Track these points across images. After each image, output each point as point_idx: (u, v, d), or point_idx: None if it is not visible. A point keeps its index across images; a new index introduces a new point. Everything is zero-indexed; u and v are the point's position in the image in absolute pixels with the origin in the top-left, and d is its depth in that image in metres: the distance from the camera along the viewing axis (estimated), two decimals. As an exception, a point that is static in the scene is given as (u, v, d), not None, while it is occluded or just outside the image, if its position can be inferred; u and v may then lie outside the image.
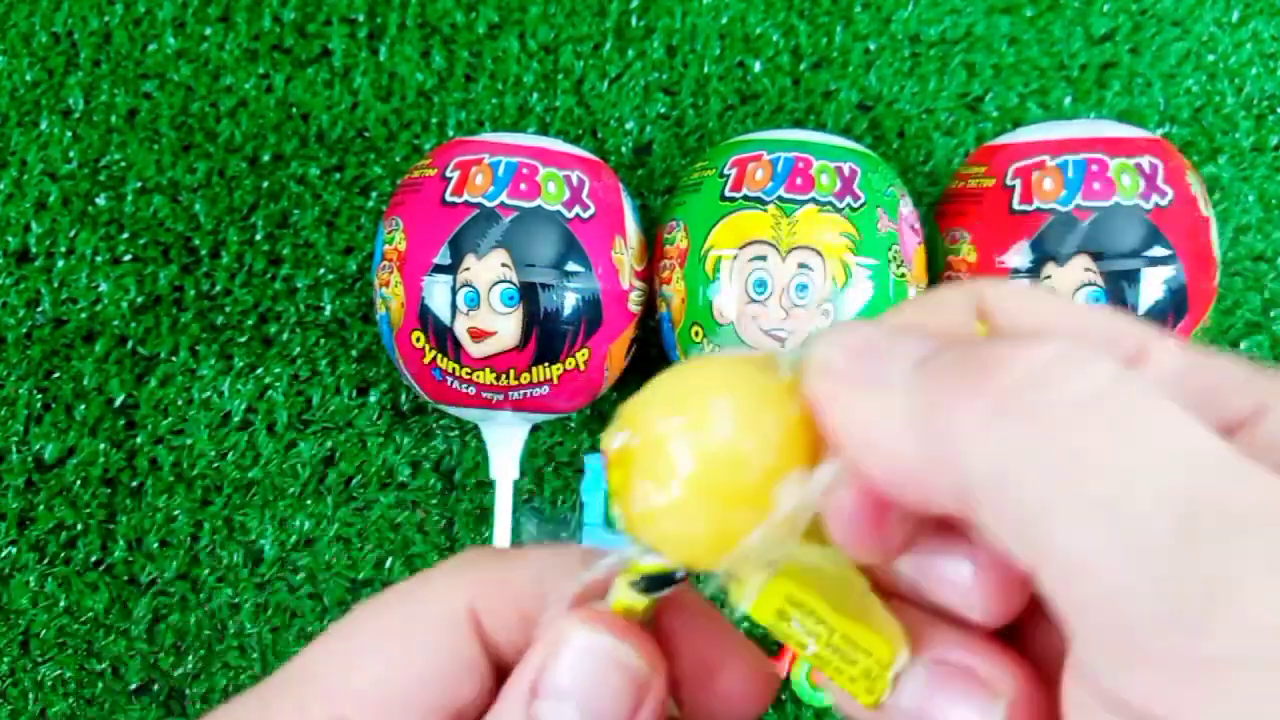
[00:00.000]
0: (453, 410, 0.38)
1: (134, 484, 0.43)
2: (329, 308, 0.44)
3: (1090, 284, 0.35)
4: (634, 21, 0.46)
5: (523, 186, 0.36)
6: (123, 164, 0.45)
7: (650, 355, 0.43)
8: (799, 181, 0.35)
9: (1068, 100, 0.45)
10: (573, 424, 0.43)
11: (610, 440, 0.16)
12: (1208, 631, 0.11)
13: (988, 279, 0.15)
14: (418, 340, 0.36)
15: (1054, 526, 0.12)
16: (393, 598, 0.17)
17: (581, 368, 0.36)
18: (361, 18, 0.46)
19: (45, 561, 0.43)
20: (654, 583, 0.16)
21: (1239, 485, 0.12)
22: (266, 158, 0.45)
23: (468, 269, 0.35)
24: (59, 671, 0.42)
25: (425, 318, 0.36)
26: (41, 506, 0.43)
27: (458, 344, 0.36)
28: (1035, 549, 0.12)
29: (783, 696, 0.40)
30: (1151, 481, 0.11)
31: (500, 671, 0.17)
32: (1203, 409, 0.13)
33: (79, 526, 0.43)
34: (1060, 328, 0.15)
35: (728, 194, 0.36)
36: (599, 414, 0.43)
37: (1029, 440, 0.12)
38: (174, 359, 0.44)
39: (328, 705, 0.17)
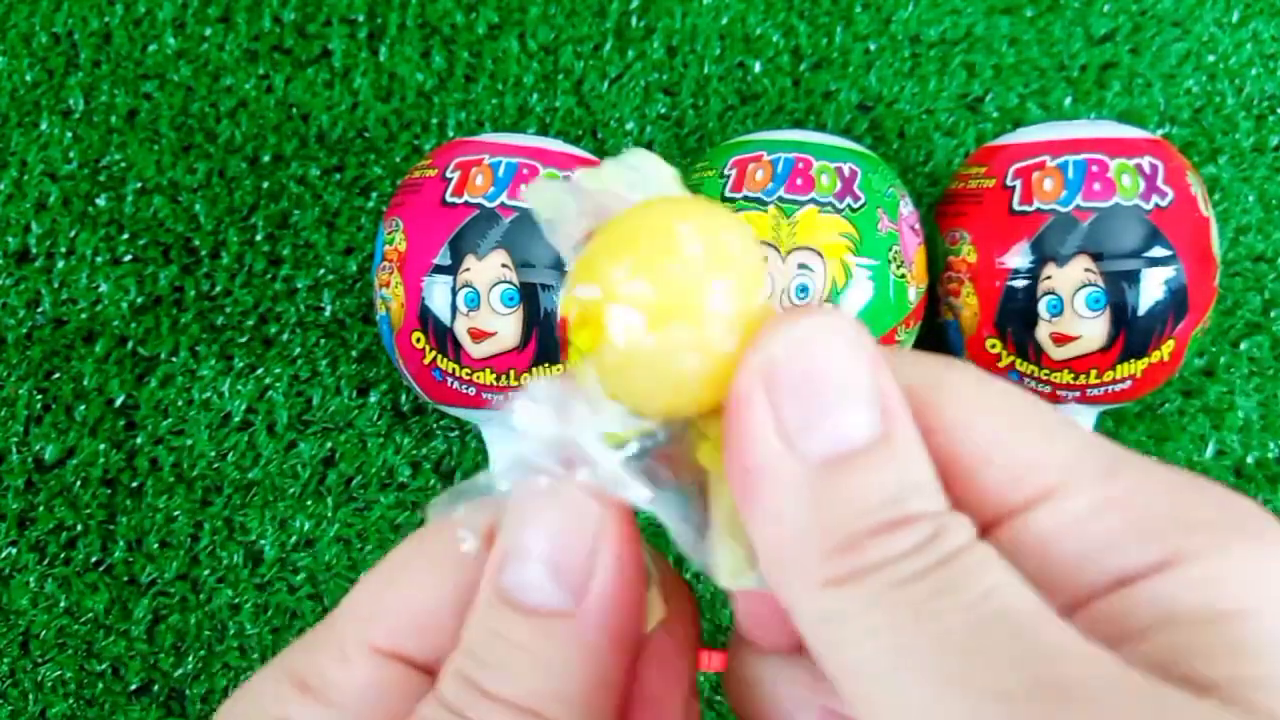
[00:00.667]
0: (453, 411, 0.38)
1: (134, 484, 0.43)
2: (329, 308, 0.44)
3: (1090, 284, 0.35)
4: (634, 22, 0.46)
5: (523, 187, 0.36)
6: (123, 164, 0.45)
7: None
8: (799, 182, 0.35)
9: (1068, 101, 0.45)
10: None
11: (569, 301, 0.15)
12: None
13: (958, 366, 0.15)
14: (418, 341, 0.36)
15: (874, 687, 0.13)
16: (420, 536, 0.17)
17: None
18: (362, 18, 0.46)
19: (45, 562, 0.43)
20: (639, 449, 0.15)
21: (1057, 663, 0.12)
22: (266, 158, 0.45)
23: (468, 269, 0.35)
24: (59, 672, 0.42)
25: (425, 318, 0.36)
26: (41, 507, 0.43)
27: (458, 344, 0.36)
28: (855, 701, 0.13)
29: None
30: (957, 649, 0.12)
31: None
32: (1098, 557, 0.14)
33: (79, 527, 0.43)
34: (1010, 443, 0.15)
35: (728, 195, 0.36)
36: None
37: (853, 609, 0.13)
38: (174, 359, 0.44)
39: (364, 636, 0.17)
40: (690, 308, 0.14)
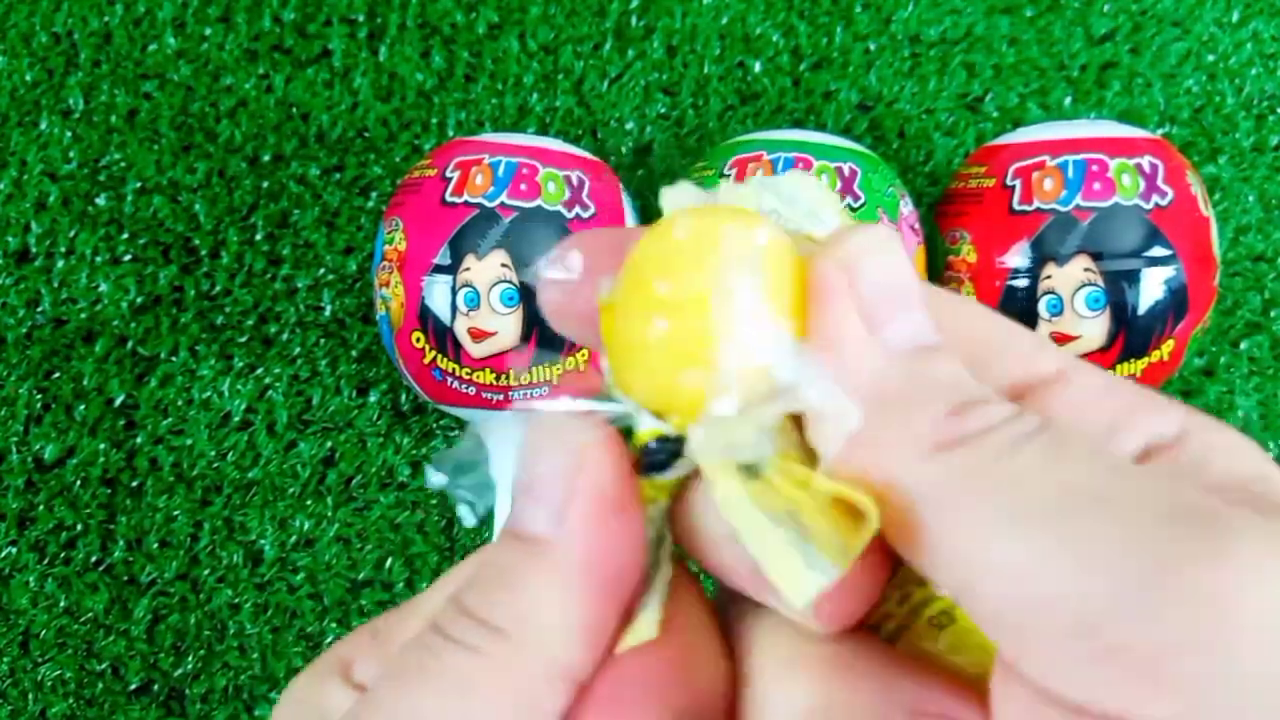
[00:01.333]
0: (453, 410, 0.38)
1: (134, 484, 0.43)
2: (329, 308, 0.44)
3: (1090, 284, 0.35)
4: (634, 22, 0.46)
5: (523, 187, 0.36)
6: (123, 164, 0.45)
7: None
8: (799, 182, 0.35)
9: (1068, 100, 0.45)
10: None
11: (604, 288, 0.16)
12: (1159, 617, 0.11)
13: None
14: (418, 340, 0.36)
15: (992, 541, 0.13)
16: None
17: (581, 368, 0.37)
18: (361, 18, 0.46)
19: (45, 562, 0.43)
20: (657, 456, 0.15)
21: (1153, 485, 0.13)
22: (266, 158, 0.45)
23: (468, 269, 0.35)
24: (59, 672, 0.42)
25: (425, 318, 0.36)
26: (41, 507, 0.43)
27: (458, 344, 0.36)
28: (970, 564, 0.13)
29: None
30: (1084, 492, 0.13)
31: None
32: (1124, 427, 0.15)
33: (79, 527, 0.43)
34: (993, 341, 0.16)
35: (728, 194, 0.36)
36: (599, 414, 0.43)
37: (965, 471, 0.13)
38: (174, 359, 0.44)
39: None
40: (691, 337, 0.15)
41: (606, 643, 0.15)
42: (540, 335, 0.35)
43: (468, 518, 0.17)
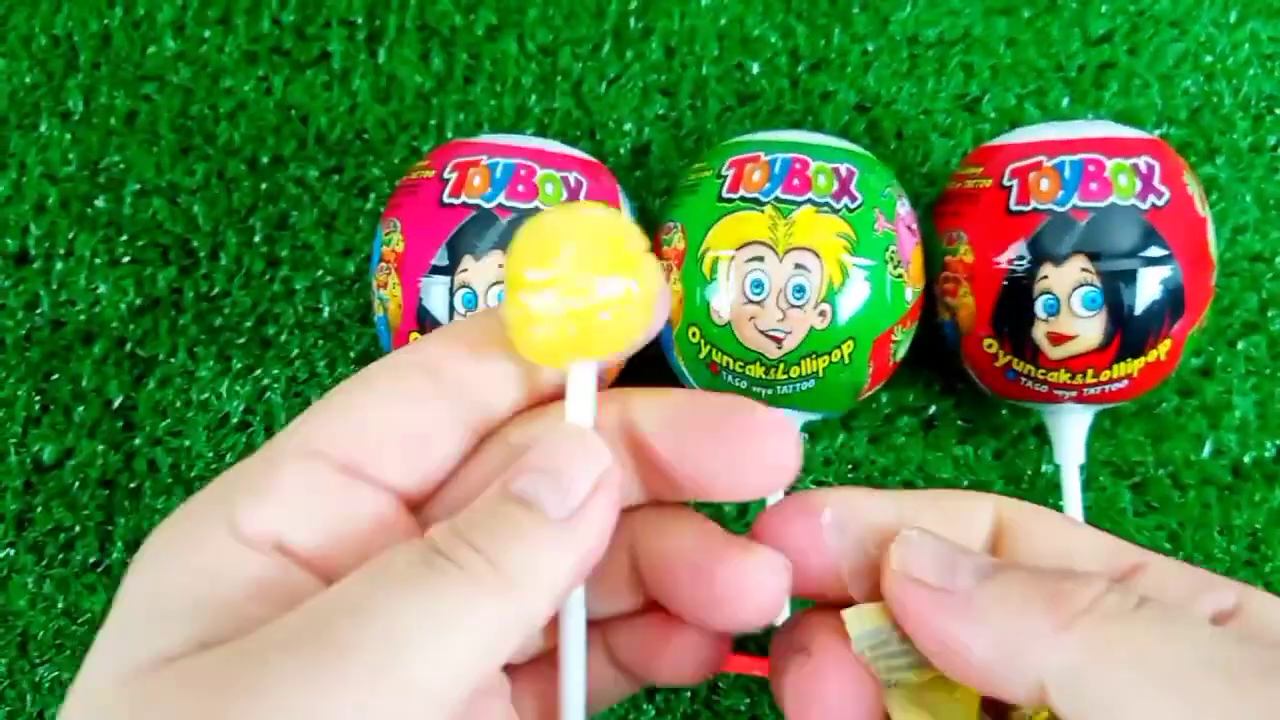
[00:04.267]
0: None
1: (132, 485, 0.43)
2: (327, 309, 0.44)
3: (1087, 284, 0.35)
4: (632, 23, 0.46)
5: (520, 188, 0.36)
6: (122, 166, 0.46)
7: (647, 355, 0.43)
8: (796, 183, 0.35)
9: (1065, 101, 0.45)
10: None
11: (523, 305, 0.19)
12: None
13: (1006, 501, 0.21)
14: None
15: (1131, 703, 0.16)
16: (376, 366, 0.20)
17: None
18: (360, 20, 0.46)
19: (43, 563, 0.43)
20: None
21: (1243, 649, 0.16)
22: (265, 160, 0.45)
23: (465, 270, 0.35)
24: (56, 673, 0.42)
25: (423, 319, 0.36)
26: (39, 508, 0.43)
27: (455, 345, 0.36)
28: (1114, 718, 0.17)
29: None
30: (1195, 659, 0.16)
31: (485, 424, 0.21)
32: (1195, 602, 0.18)
33: (77, 528, 0.43)
34: (1077, 554, 0.20)
35: (725, 195, 0.36)
36: (597, 415, 0.43)
37: (1095, 643, 0.17)
38: (172, 360, 0.44)
39: (337, 452, 0.19)
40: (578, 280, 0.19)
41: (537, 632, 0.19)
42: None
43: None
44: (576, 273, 0.19)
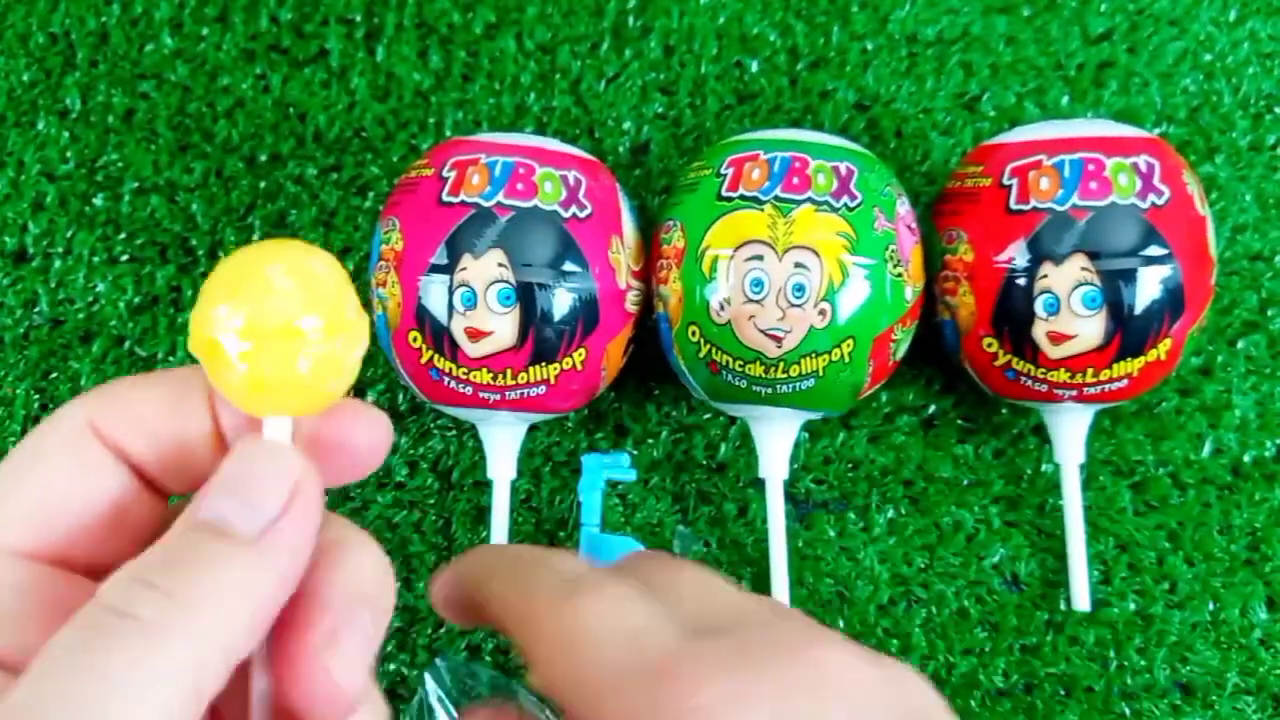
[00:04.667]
0: (450, 410, 0.38)
1: (131, 484, 0.43)
2: (326, 308, 0.44)
3: (1087, 283, 0.35)
4: (631, 21, 0.46)
5: (519, 186, 0.36)
6: (120, 164, 0.45)
7: (647, 355, 0.43)
8: (795, 181, 0.35)
9: (1065, 100, 0.45)
10: (570, 424, 0.43)
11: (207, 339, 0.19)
12: None
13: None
14: (414, 340, 0.36)
15: None
16: (23, 439, 0.19)
17: (578, 367, 0.36)
18: (359, 18, 0.46)
19: (42, 562, 0.43)
20: None
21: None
22: (263, 158, 0.45)
23: (464, 269, 0.35)
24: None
25: (422, 318, 0.36)
26: (38, 507, 0.43)
27: (454, 344, 0.36)
28: None
29: None
30: None
31: (152, 483, 0.20)
32: None
33: (76, 527, 0.43)
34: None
35: (724, 194, 0.36)
36: (597, 414, 0.43)
37: None
38: (171, 359, 0.44)
39: (116, 430, 0.18)
40: (286, 328, 0.18)
41: (250, 653, 0.17)
42: (536, 335, 0.35)
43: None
44: (269, 312, 0.18)
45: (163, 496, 0.20)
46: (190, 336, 0.19)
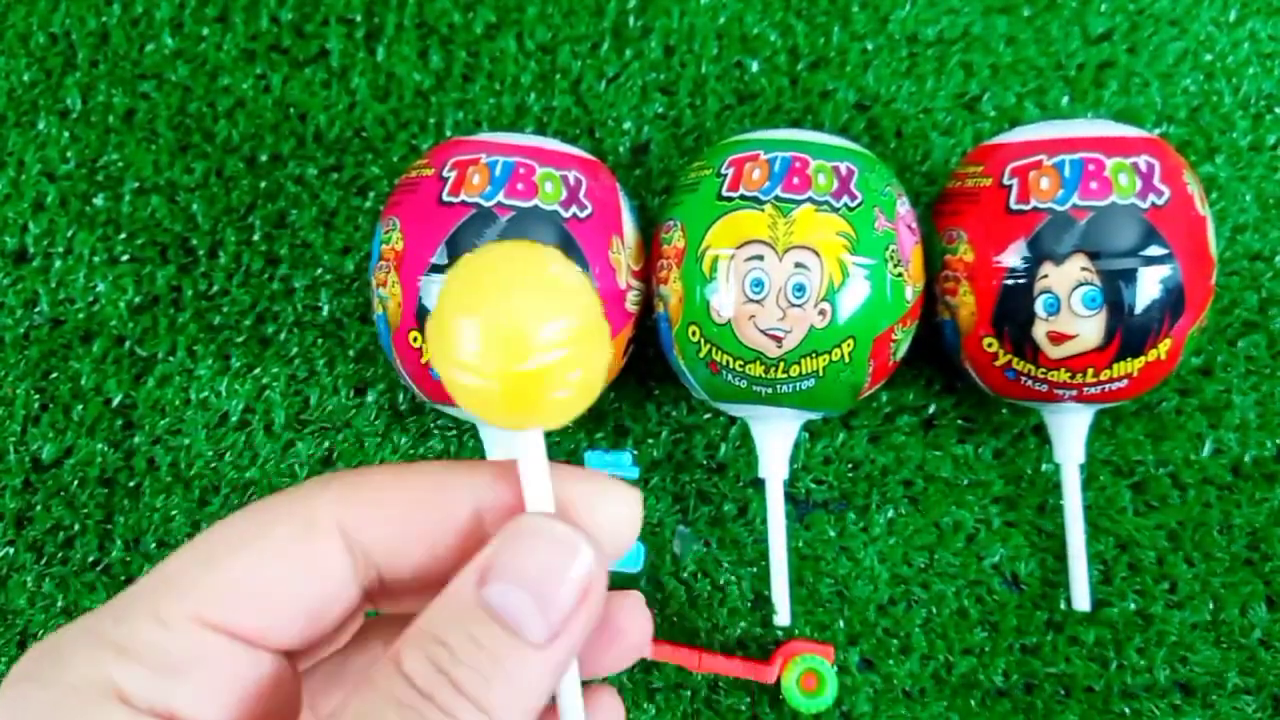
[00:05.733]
0: (450, 410, 0.38)
1: (131, 484, 0.43)
2: (326, 308, 0.44)
3: (1087, 283, 0.35)
4: (631, 21, 0.46)
5: (520, 186, 0.36)
6: (120, 164, 0.45)
7: (648, 355, 0.43)
8: (796, 181, 0.35)
9: (1065, 100, 0.45)
10: (570, 423, 0.43)
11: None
12: None
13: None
14: (415, 340, 0.36)
15: None
16: (253, 509, 0.18)
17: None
18: (359, 18, 0.46)
19: (43, 562, 0.43)
20: None
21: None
22: (264, 158, 0.45)
23: (465, 269, 0.35)
24: (56, 672, 0.42)
25: (422, 318, 0.36)
26: (39, 507, 0.43)
27: (455, 344, 0.36)
28: None
29: (780, 697, 0.40)
30: None
31: (380, 584, 0.19)
32: None
33: (76, 527, 0.43)
34: None
35: (724, 194, 0.36)
36: (597, 414, 0.43)
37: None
38: (171, 359, 0.44)
39: (187, 606, 0.17)
40: (538, 338, 0.17)
41: None
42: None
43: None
44: (511, 318, 0.17)
45: (369, 595, 0.20)
46: (438, 360, 0.18)
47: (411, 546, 0.19)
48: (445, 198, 0.36)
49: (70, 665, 0.17)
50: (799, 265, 0.35)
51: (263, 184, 0.45)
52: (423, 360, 0.36)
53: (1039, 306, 0.35)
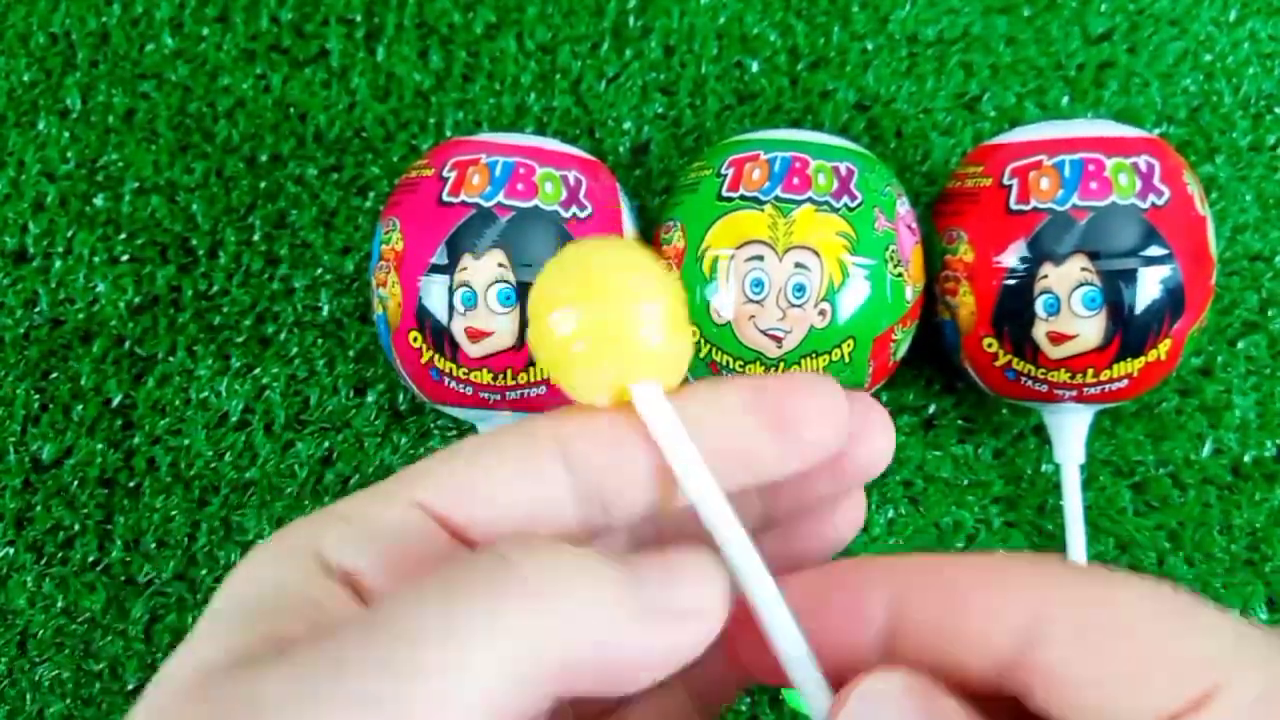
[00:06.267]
0: (450, 410, 0.38)
1: (131, 484, 0.43)
2: (326, 308, 0.44)
3: (1087, 283, 0.35)
4: (631, 22, 0.46)
5: (520, 186, 0.36)
6: (120, 164, 0.45)
7: (648, 355, 0.43)
8: (796, 181, 0.35)
9: (1065, 100, 0.45)
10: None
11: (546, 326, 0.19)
12: None
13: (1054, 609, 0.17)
14: (415, 340, 0.36)
15: None
16: (508, 430, 0.19)
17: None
18: (359, 18, 0.46)
19: (42, 562, 0.43)
20: None
21: None
22: (264, 158, 0.45)
23: (465, 269, 0.35)
24: (56, 672, 0.42)
25: (422, 318, 0.36)
26: (39, 507, 0.43)
27: (455, 344, 0.36)
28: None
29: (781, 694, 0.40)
30: None
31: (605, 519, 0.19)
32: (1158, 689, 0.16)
33: (76, 527, 0.43)
34: (1170, 646, 0.17)
35: (724, 194, 0.36)
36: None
37: None
38: (171, 359, 0.44)
39: (415, 491, 0.18)
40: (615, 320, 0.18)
41: None
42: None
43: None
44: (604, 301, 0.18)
45: (594, 532, 0.20)
46: (537, 339, 0.19)
47: (640, 496, 0.19)
48: (445, 198, 0.36)
49: (298, 527, 0.18)
50: (799, 265, 0.35)
51: (263, 184, 0.45)
52: (423, 360, 0.36)
53: (1039, 307, 0.35)
